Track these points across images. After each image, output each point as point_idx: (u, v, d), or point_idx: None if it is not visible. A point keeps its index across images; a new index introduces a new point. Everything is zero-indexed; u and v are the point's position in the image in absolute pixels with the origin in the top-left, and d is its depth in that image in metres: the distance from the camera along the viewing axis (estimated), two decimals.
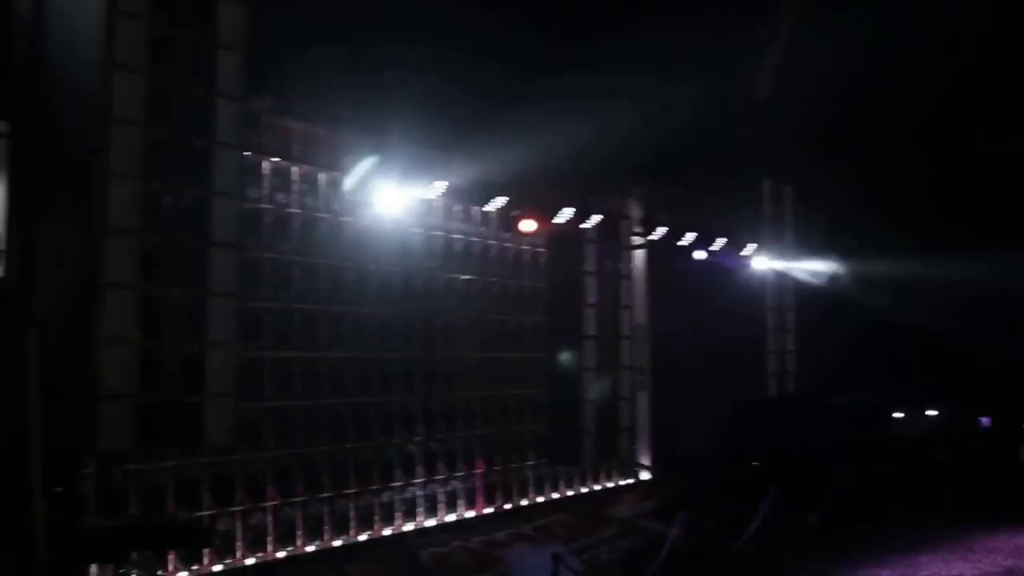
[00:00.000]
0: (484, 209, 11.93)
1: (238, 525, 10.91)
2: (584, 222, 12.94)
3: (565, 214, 12.45)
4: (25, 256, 7.54)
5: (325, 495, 11.95)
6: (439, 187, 11.01)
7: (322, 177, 11.89)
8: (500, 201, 11.67)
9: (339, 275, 12.29)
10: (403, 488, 13.06)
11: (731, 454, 17.02)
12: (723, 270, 18.07)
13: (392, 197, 11.43)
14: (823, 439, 17.79)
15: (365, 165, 10.56)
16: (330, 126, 10.61)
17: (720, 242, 16.49)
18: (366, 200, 12.24)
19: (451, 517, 13.69)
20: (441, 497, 13.68)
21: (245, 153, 8.62)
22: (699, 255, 16.14)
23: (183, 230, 8.02)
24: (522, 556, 12.41)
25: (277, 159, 11.06)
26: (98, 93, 7.46)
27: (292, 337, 11.63)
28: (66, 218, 7.54)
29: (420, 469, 13.34)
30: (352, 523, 12.31)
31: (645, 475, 16.35)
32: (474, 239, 14.22)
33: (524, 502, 14.79)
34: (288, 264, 11.56)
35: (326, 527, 11.95)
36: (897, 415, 21.64)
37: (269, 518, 11.29)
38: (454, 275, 14.05)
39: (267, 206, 11.09)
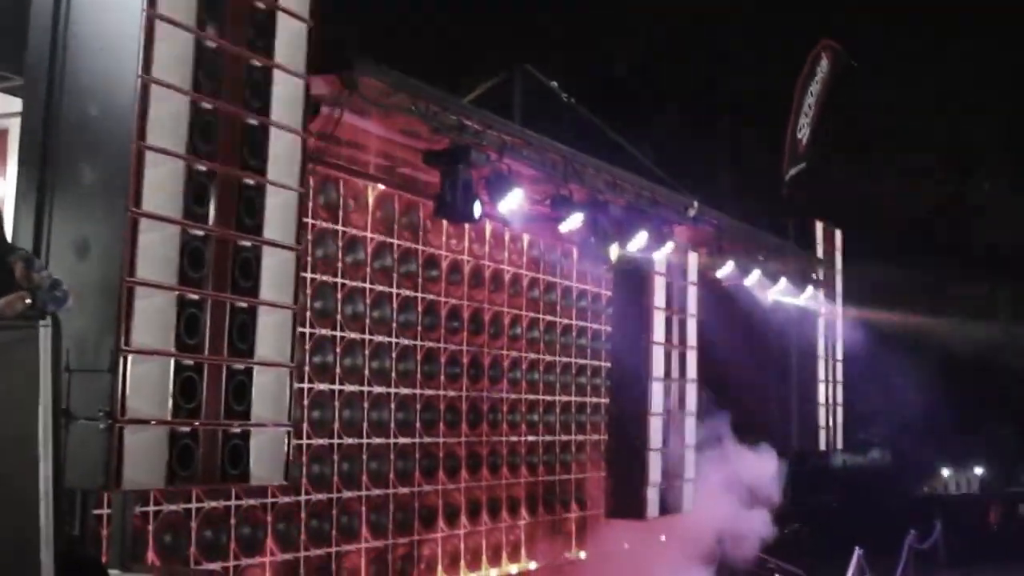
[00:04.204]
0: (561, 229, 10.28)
1: None
2: (656, 250, 11.37)
3: (639, 240, 10.87)
4: (37, 246, 5.99)
5: (363, 545, 10.44)
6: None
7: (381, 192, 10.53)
8: (577, 220, 10.06)
9: (389, 302, 10.85)
10: (447, 539, 11.54)
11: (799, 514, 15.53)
12: (777, 313, 16.61)
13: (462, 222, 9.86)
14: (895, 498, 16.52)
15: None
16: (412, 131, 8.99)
17: (781, 283, 14.95)
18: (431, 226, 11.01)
19: (494, 572, 12.17)
20: (485, 549, 12.13)
21: (306, 139, 6.98)
22: (763, 296, 14.66)
23: (232, 224, 6.40)
24: None
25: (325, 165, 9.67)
26: (133, 49, 5.92)
27: (333, 366, 10.23)
28: (89, 201, 6.00)
29: (464, 517, 11.81)
30: None
31: None
32: (539, 275, 12.98)
33: (578, 555, 13.29)
34: (331, 287, 10.14)
35: None
36: (946, 473, 20.37)
37: (301, 571, 9.80)
38: (516, 311, 12.72)
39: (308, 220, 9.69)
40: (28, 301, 4.90)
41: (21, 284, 4.95)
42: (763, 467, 14.54)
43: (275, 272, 6.65)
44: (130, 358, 5.85)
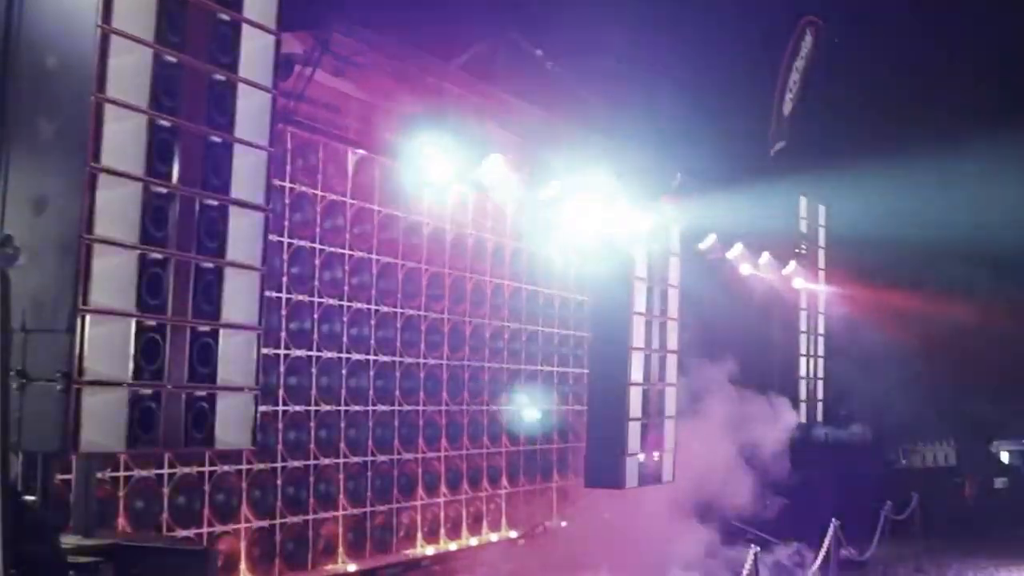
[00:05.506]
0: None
1: (242, 545, 9.19)
2: (640, 221, 11.10)
3: (623, 210, 10.59)
4: None
5: (340, 512, 10.20)
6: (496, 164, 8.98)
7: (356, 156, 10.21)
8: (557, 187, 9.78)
9: (367, 269, 10.57)
10: (426, 507, 11.31)
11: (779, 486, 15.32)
12: (759, 287, 16.38)
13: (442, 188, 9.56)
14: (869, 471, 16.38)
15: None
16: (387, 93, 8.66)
17: (764, 257, 14.70)
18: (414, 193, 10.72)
19: (474, 541, 11.95)
20: (466, 517, 11.91)
21: (276, 98, 6.66)
22: (744, 270, 14.41)
23: (197, 181, 6.09)
24: None
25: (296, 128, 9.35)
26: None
27: (311, 333, 9.96)
28: (47, 156, 5.69)
29: (444, 486, 11.59)
30: (368, 545, 10.54)
31: None
32: (521, 245, 12.73)
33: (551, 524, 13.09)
34: (308, 252, 9.85)
35: (340, 548, 10.18)
36: (924, 446, 20.21)
37: (278, 537, 9.55)
38: (498, 280, 12.47)
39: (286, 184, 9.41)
40: None
41: None
42: (779, 419, 14.39)
43: (243, 233, 6.35)
44: (88, 318, 5.55)
